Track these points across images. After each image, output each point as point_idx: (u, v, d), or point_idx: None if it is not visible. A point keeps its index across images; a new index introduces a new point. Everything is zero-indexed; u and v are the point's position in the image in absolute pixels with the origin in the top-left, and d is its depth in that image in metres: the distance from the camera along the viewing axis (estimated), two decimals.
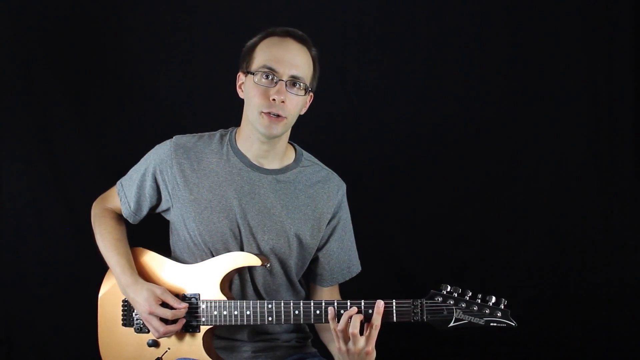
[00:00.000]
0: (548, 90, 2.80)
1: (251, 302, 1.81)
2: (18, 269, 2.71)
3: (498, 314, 1.67)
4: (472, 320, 1.67)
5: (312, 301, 1.77)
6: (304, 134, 2.02)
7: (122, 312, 1.94)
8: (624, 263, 2.78)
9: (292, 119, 1.85)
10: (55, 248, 2.73)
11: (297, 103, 1.83)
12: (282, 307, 1.79)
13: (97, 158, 2.74)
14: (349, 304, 1.73)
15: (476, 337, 2.74)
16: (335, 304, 1.73)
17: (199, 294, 1.85)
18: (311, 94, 1.89)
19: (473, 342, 2.76)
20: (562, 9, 2.77)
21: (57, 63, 2.70)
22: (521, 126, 2.81)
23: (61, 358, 2.73)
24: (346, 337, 1.70)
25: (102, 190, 2.10)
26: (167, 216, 2.00)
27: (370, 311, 1.70)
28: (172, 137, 1.96)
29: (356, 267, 2.04)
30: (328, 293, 2.02)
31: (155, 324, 1.82)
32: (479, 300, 1.68)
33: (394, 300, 1.71)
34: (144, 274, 1.92)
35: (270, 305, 1.79)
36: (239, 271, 1.89)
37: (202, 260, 1.90)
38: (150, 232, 2.03)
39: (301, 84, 1.82)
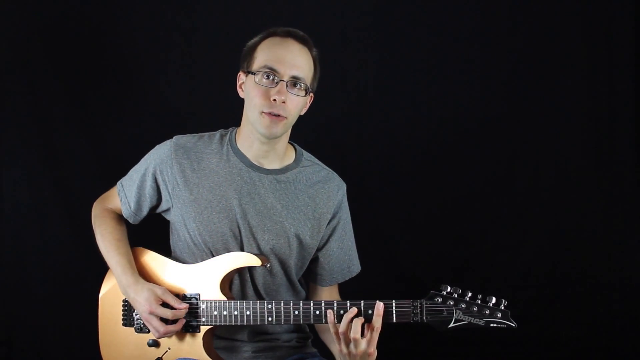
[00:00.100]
0: (548, 91, 2.80)
1: (251, 302, 1.81)
2: (18, 269, 2.71)
3: (498, 315, 1.67)
4: (472, 321, 1.67)
5: (311, 301, 1.77)
6: (304, 134, 2.02)
7: (122, 312, 1.94)
8: (624, 263, 2.78)
9: (292, 120, 1.85)
10: (55, 248, 2.72)
11: (297, 103, 1.83)
12: (282, 308, 1.79)
13: (97, 158, 2.74)
14: (348, 304, 1.73)
15: (476, 337, 2.74)
16: (335, 304, 1.73)
17: (199, 294, 1.85)
18: (311, 94, 1.89)
19: (473, 342, 2.76)
20: (562, 9, 2.77)
21: (58, 63, 2.69)
22: (521, 126, 2.81)
23: (61, 358, 2.73)
24: (347, 340, 1.70)
25: (102, 190, 2.10)
26: (167, 216, 2.00)
27: (370, 312, 1.70)
28: (172, 137, 1.96)
29: (356, 267, 2.04)
30: (327, 293, 2.02)
31: (155, 324, 1.82)
32: (479, 301, 1.68)
33: (393, 301, 1.71)
34: (144, 274, 1.92)
35: (270, 306, 1.79)
36: (239, 271, 1.89)
37: (202, 260, 1.90)
38: (150, 232, 2.03)
39: (302, 84, 1.82)
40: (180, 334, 1.87)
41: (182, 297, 1.87)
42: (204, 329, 1.85)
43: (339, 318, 1.72)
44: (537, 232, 2.82)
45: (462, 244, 2.82)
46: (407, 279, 2.83)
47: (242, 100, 1.91)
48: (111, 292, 1.96)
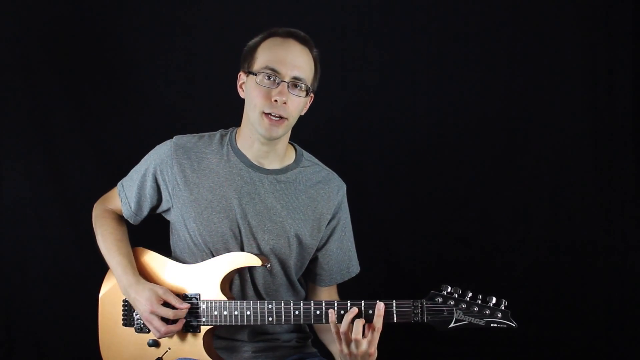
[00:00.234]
0: (548, 90, 2.80)
1: (251, 302, 1.81)
2: (18, 268, 2.71)
3: (498, 315, 1.67)
4: (472, 321, 1.67)
5: (312, 301, 1.77)
6: (304, 134, 2.02)
7: (122, 312, 1.93)
8: (623, 263, 2.78)
9: (293, 120, 1.85)
10: (55, 248, 2.73)
11: (298, 104, 1.83)
12: (282, 307, 1.78)
13: (97, 158, 2.74)
14: (349, 304, 1.73)
15: (476, 337, 2.74)
16: (336, 304, 1.73)
17: (200, 294, 1.85)
18: (312, 94, 1.89)
19: (473, 342, 2.76)
20: (562, 9, 2.77)
21: (58, 63, 2.70)
22: (521, 126, 2.81)
23: (61, 358, 2.73)
24: (348, 340, 1.70)
25: (102, 190, 2.10)
26: (168, 216, 2.00)
27: (370, 312, 1.70)
28: (172, 137, 1.96)
29: (355, 268, 2.04)
30: (326, 293, 2.02)
31: (156, 324, 1.82)
32: (480, 301, 1.68)
33: (394, 301, 1.71)
34: (144, 274, 1.92)
35: (270, 306, 1.79)
36: (239, 271, 1.89)
37: (203, 260, 1.90)
38: (150, 232, 2.03)
39: (303, 85, 1.82)
40: (181, 334, 1.87)
41: (183, 297, 1.86)
42: (204, 329, 1.85)
43: (340, 318, 1.72)
44: (537, 232, 2.82)
45: (462, 244, 2.82)
46: (407, 279, 2.83)
47: (242, 100, 1.91)
48: (111, 292, 1.96)
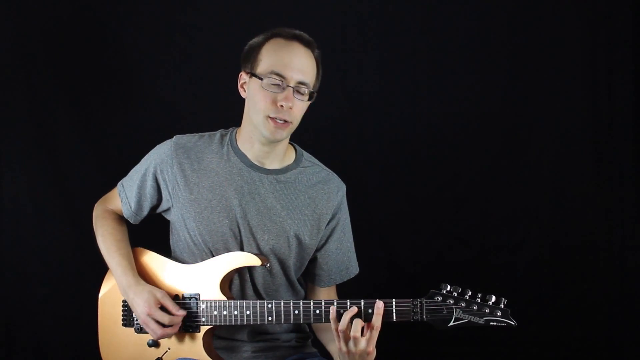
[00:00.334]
0: (548, 90, 2.80)
1: (251, 301, 1.81)
2: (18, 269, 2.71)
3: (498, 313, 1.67)
4: (471, 320, 1.67)
5: (311, 301, 1.78)
6: (304, 134, 2.02)
7: (122, 313, 1.94)
8: (624, 263, 2.78)
9: (296, 124, 1.85)
10: (55, 248, 2.72)
11: (302, 108, 1.84)
12: (282, 307, 1.79)
13: (97, 158, 2.74)
14: (348, 303, 1.73)
15: (476, 337, 2.74)
16: (335, 303, 1.73)
17: (199, 294, 1.85)
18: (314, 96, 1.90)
19: (473, 342, 2.76)
20: (562, 9, 2.77)
21: (58, 63, 2.69)
22: (521, 126, 2.81)
23: (61, 358, 2.73)
24: (347, 338, 1.70)
25: (102, 190, 2.10)
26: (168, 216, 2.00)
27: (370, 310, 1.70)
28: (172, 137, 1.96)
29: (354, 269, 2.04)
30: (325, 293, 2.02)
31: (152, 326, 1.82)
32: (479, 300, 1.68)
33: (393, 300, 1.71)
34: (144, 275, 1.92)
35: (270, 305, 1.79)
36: (239, 271, 1.89)
37: (202, 260, 1.90)
38: (150, 232, 2.03)
39: (307, 89, 1.82)
40: (180, 334, 1.87)
41: (182, 297, 1.87)
42: (204, 329, 1.85)
43: (339, 317, 1.71)
44: (537, 232, 2.82)
45: (462, 244, 2.82)
46: (407, 279, 2.83)
47: (241, 100, 1.91)
48: (111, 293, 1.96)
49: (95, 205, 2.07)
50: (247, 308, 1.81)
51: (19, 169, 2.69)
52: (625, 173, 2.78)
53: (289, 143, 1.96)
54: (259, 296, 1.92)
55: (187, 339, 1.87)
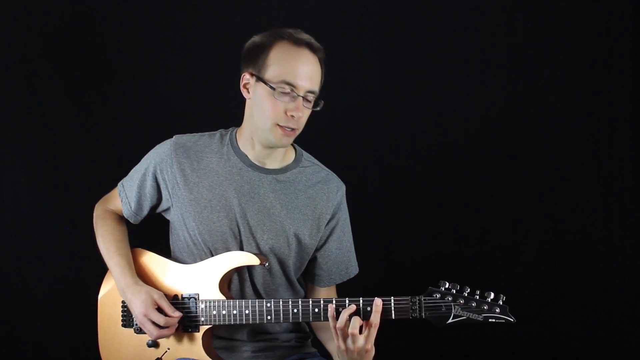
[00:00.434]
0: (548, 90, 2.80)
1: (250, 301, 1.82)
2: (18, 269, 2.71)
3: (496, 310, 1.67)
4: (470, 317, 1.67)
5: (310, 299, 1.78)
6: (304, 134, 2.02)
7: (121, 313, 1.94)
8: (624, 263, 2.77)
9: (301, 129, 1.86)
10: (55, 248, 2.72)
11: (308, 114, 1.84)
12: (281, 306, 1.79)
13: (97, 158, 2.74)
14: (347, 301, 1.73)
15: (476, 336, 2.74)
16: (334, 302, 1.73)
17: (198, 294, 1.86)
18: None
19: (473, 341, 2.76)
20: (563, 9, 2.77)
21: (58, 63, 2.70)
22: (521, 126, 2.81)
23: (61, 358, 2.73)
24: (345, 335, 1.70)
25: (101, 190, 2.11)
26: (167, 216, 2.00)
27: (368, 308, 1.70)
28: (172, 137, 1.96)
29: (354, 269, 2.04)
30: (325, 293, 2.01)
31: (149, 327, 1.83)
32: (477, 297, 1.68)
33: (392, 298, 1.71)
34: (143, 275, 1.93)
35: (269, 304, 1.79)
36: (238, 271, 1.89)
37: (202, 259, 1.90)
38: (150, 233, 2.04)
39: (314, 96, 1.83)
40: (180, 334, 1.87)
41: (181, 297, 1.87)
42: (203, 328, 1.86)
43: (338, 315, 1.71)
44: (537, 232, 2.81)
45: (462, 244, 2.82)
46: (407, 279, 2.82)
47: (241, 100, 1.90)
48: (110, 293, 1.97)
49: (96, 206, 2.08)
50: (246, 307, 1.81)
51: (19, 169, 2.69)
52: (625, 173, 2.78)
53: None
54: (258, 296, 1.92)
55: (186, 339, 1.87)
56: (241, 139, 1.93)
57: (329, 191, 1.96)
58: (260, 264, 1.84)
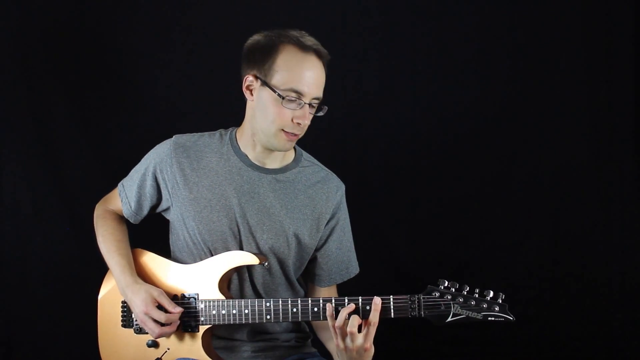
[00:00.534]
0: (548, 90, 2.80)
1: (249, 300, 1.81)
2: (18, 269, 2.71)
3: (496, 308, 1.66)
4: (469, 315, 1.67)
5: (309, 298, 1.77)
6: (304, 134, 2.02)
7: (121, 313, 1.94)
8: (624, 263, 2.77)
9: (304, 133, 1.86)
10: (55, 248, 2.72)
11: (311, 119, 1.84)
12: (280, 305, 1.78)
13: (97, 158, 2.74)
14: (346, 300, 1.73)
15: (476, 336, 2.74)
16: (333, 301, 1.73)
17: (198, 294, 1.85)
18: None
19: (473, 341, 2.75)
20: (562, 9, 2.77)
21: (58, 64, 2.70)
22: (521, 126, 2.81)
23: (61, 358, 2.73)
24: (344, 334, 1.69)
25: (102, 190, 2.11)
26: (167, 215, 2.00)
27: (367, 307, 1.69)
28: (172, 137, 1.96)
29: (354, 268, 2.04)
30: (326, 293, 2.01)
31: (150, 325, 1.82)
32: (477, 295, 1.68)
33: (391, 296, 1.71)
34: (143, 275, 1.92)
35: (268, 304, 1.79)
36: (238, 270, 1.89)
37: (201, 259, 1.90)
38: (150, 233, 2.04)
39: (318, 102, 1.83)
40: (179, 334, 1.87)
41: (181, 297, 1.87)
42: (202, 328, 1.85)
43: (337, 314, 1.71)
44: (537, 232, 2.82)
45: (462, 244, 2.82)
46: (407, 278, 2.83)
47: (241, 100, 1.89)
48: (110, 294, 1.96)
49: (96, 206, 2.08)
50: (246, 307, 1.80)
51: (19, 169, 2.70)
52: (625, 173, 2.78)
53: None
54: (258, 295, 1.91)
55: (186, 339, 1.87)
56: (241, 139, 1.92)
57: (329, 191, 1.96)
58: (260, 263, 1.84)
